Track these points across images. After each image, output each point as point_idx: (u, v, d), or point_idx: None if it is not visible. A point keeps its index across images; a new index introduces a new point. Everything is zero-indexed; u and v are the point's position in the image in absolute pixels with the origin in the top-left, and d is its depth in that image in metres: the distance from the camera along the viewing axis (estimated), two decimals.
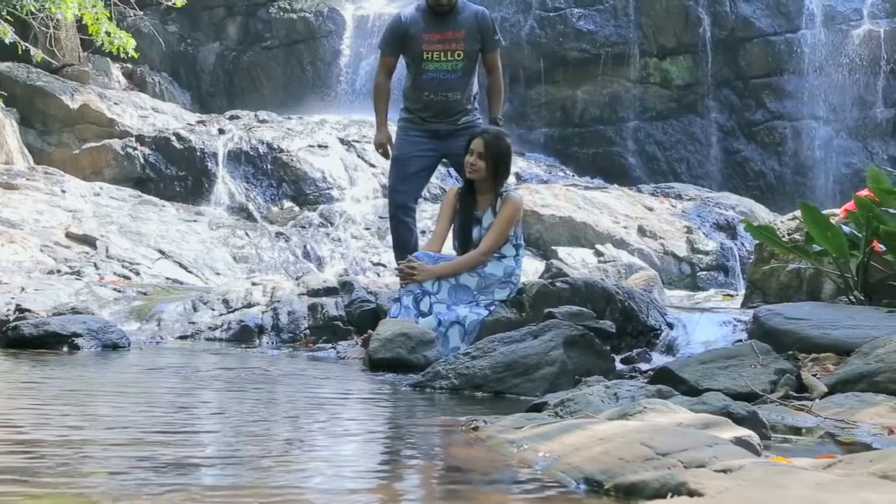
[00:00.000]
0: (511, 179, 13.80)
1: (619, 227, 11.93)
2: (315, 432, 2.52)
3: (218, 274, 10.70)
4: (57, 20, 12.06)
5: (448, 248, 5.45)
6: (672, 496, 1.54)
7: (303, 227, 12.27)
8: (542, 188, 12.72)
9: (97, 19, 10.65)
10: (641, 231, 11.99)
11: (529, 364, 3.37)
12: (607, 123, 15.26)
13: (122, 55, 11.12)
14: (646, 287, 6.05)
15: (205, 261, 10.97)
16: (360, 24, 16.43)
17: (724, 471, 1.59)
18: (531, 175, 14.24)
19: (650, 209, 12.63)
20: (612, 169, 14.90)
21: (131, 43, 10.90)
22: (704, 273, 11.56)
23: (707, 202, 12.95)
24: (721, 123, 14.98)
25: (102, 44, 10.97)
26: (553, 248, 11.36)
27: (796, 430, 2.71)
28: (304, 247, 11.81)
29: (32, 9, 10.88)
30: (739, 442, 1.97)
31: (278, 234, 12.04)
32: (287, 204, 12.90)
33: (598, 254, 11.21)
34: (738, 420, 2.44)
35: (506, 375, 3.36)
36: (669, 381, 3.28)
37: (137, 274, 9.68)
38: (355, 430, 2.57)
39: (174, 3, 12.29)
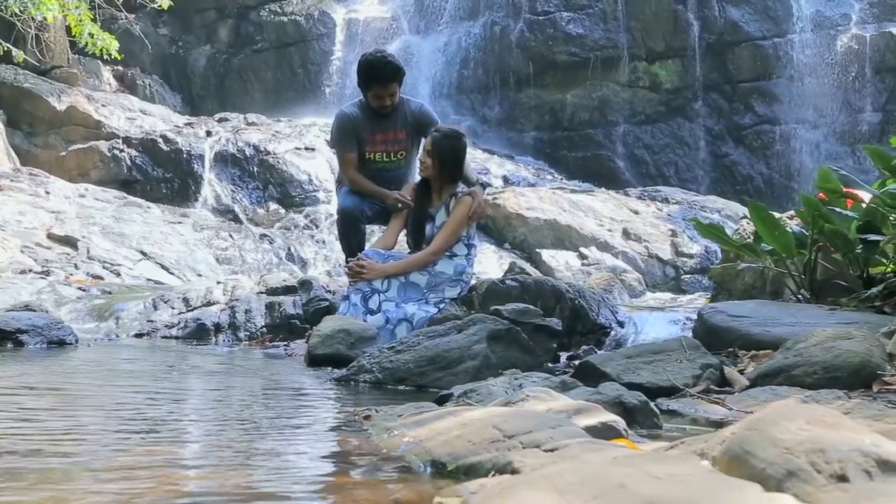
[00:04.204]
0: (498, 182, 13.83)
1: (603, 230, 11.90)
2: (200, 423, 2.51)
3: (199, 275, 10.71)
4: (40, 22, 12.10)
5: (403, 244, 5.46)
6: (494, 474, 1.55)
7: (288, 230, 12.29)
8: (527, 191, 12.71)
9: (80, 20, 10.69)
10: (626, 234, 11.96)
11: (452, 358, 3.38)
12: (596, 127, 15.27)
13: (106, 56, 11.17)
14: (606, 287, 6.05)
15: (187, 262, 10.98)
16: (351, 27, 16.47)
17: (552, 450, 1.60)
18: (519, 178, 14.23)
19: (636, 212, 12.61)
20: (601, 172, 14.89)
21: (114, 44, 10.95)
22: (689, 276, 11.51)
23: (693, 205, 12.93)
24: (710, 127, 14.98)
25: (86, 45, 11.02)
26: (537, 250, 11.34)
27: (704, 422, 2.71)
28: (288, 249, 11.82)
29: (16, 10, 10.92)
30: (604, 426, 1.98)
31: (262, 236, 12.05)
32: (273, 206, 12.92)
33: (582, 256, 11.18)
34: (630, 409, 2.46)
35: (428, 369, 3.37)
36: (592, 375, 3.28)
37: (118, 275, 9.70)
38: (246, 421, 2.56)
39: (160, 6, 12.33)
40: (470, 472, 1.67)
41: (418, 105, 5.99)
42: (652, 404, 2.47)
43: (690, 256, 11.62)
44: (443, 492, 1.51)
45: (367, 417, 2.44)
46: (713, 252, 11.68)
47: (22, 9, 10.84)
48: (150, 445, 2.03)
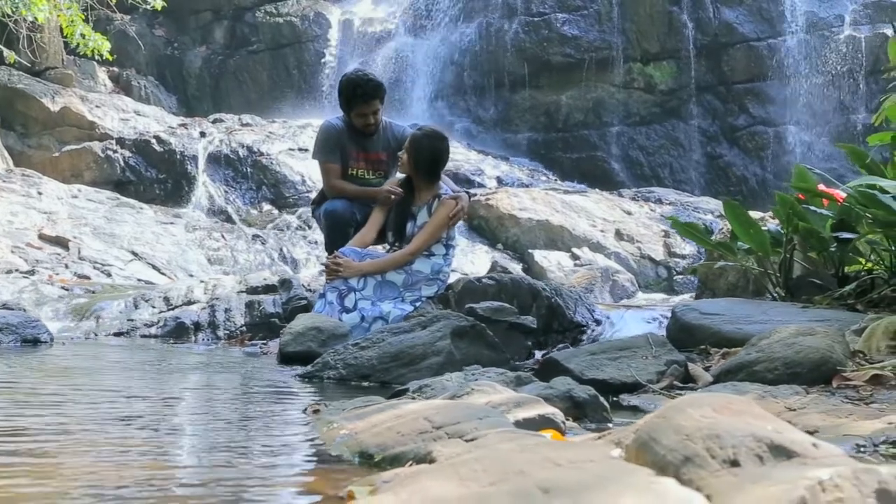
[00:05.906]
0: (493, 183, 13.81)
1: (596, 230, 11.88)
2: (153, 419, 2.51)
3: (191, 276, 10.68)
4: (31, 23, 12.09)
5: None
6: (412, 464, 1.55)
7: (281, 230, 12.28)
8: (520, 192, 12.69)
9: (72, 21, 10.70)
10: (619, 235, 11.94)
11: (415, 354, 3.37)
12: (591, 128, 15.25)
13: (98, 57, 11.18)
14: (587, 286, 6.04)
15: (178, 262, 10.98)
16: (346, 28, 16.48)
17: (473, 439, 1.60)
18: (514, 179, 14.20)
19: (628, 213, 12.60)
20: (595, 173, 14.88)
21: (106, 45, 10.96)
22: (681, 277, 11.49)
23: (686, 206, 12.92)
24: (704, 128, 14.97)
25: (78, 45, 11.03)
26: (530, 251, 11.32)
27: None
28: (281, 249, 11.80)
29: (8, 10, 10.93)
30: (542, 419, 1.98)
31: (255, 236, 12.04)
32: (266, 207, 12.92)
33: (575, 257, 11.17)
34: (579, 403, 2.45)
35: (392, 366, 3.36)
36: (555, 371, 3.27)
37: (109, 275, 9.69)
38: (194, 414, 2.56)
39: (154, 7, 12.32)
40: (394, 461, 1.67)
41: (401, 129, 5.97)
42: (601, 399, 2.47)
43: (683, 257, 11.60)
44: (358, 481, 1.51)
45: (315, 411, 2.45)
46: (705, 253, 11.68)
47: (13, 9, 10.83)
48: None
